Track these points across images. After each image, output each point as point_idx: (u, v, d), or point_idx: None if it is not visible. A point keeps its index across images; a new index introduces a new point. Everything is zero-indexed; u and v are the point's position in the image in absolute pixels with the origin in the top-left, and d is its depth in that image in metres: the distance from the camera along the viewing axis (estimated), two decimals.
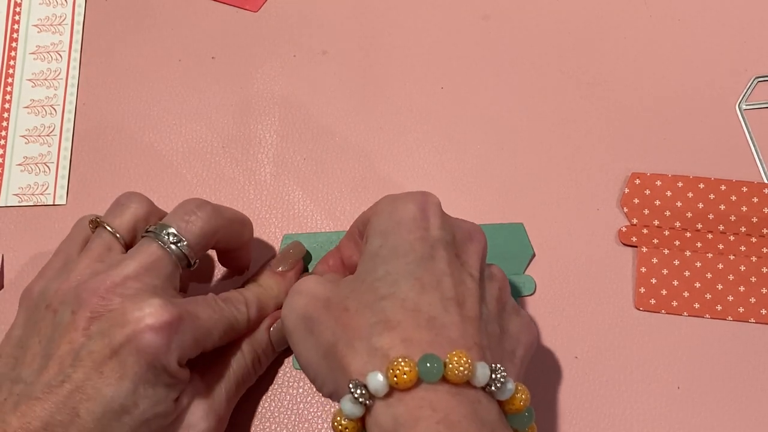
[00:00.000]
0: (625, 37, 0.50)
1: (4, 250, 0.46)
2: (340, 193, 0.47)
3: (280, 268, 0.43)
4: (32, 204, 0.47)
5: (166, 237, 0.37)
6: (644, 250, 0.45)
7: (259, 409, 0.43)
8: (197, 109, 0.50)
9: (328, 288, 0.36)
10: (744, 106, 0.48)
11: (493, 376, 0.32)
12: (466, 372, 0.31)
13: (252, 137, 0.49)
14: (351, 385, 0.31)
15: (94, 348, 0.34)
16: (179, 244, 0.37)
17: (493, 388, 0.32)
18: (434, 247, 0.35)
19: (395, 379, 0.30)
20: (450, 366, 0.31)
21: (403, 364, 0.31)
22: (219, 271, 0.46)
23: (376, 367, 0.31)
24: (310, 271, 0.45)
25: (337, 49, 0.51)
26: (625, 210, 0.46)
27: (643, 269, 0.45)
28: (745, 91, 0.49)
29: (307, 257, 0.45)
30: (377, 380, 0.31)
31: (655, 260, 0.45)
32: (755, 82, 0.49)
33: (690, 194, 0.46)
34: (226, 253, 0.43)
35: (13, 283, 0.46)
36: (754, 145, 0.47)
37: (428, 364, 0.31)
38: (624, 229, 0.46)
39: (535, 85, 0.49)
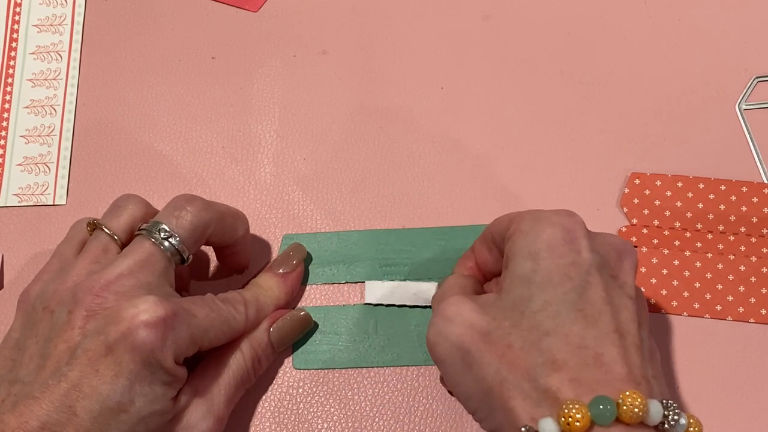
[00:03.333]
0: (625, 37, 0.50)
1: (4, 250, 0.46)
2: (340, 193, 0.47)
3: (281, 270, 0.43)
4: (32, 204, 0.47)
5: (158, 234, 0.37)
6: (644, 250, 0.45)
7: (259, 409, 0.43)
8: (197, 109, 0.50)
9: (484, 319, 0.34)
10: (744, 106, 0.48)
11: (666, 413, 0.30)
12: (640, 413, 0.30)
13: (252, 137, 0.49)
14: (523, 431, 0.30)
15: (89, 346, 0.34)
16: (171, 240, 0.37)
17: (666, 425, 0.30)
18: (589, 272, 0.34)
19: (568, 426, 0.29)
20: (624, 408, 0.30)
21: (574, 410, 0.29)
22: (220, 272, 0.46)
23: (546, 411, 0.30)
24: (309, 272, 0.45)
25: (337, 49, 0.51)
26: (625, 210, 0.46)
27: (643, 269, 0.45)
28: (745, 91, 0.49)
29: (307, 259, 0.45)
30: (549, 428, 0.30)
31: (654, 260, 0.45)
32: (755, 82, 0.49)
33: (690, 194, 0.46)
34: (222, 249, 0.43)
35: (13, 283, 0.46)
36: (754, 145, 0.47)
37: (601, 407, 0.30)
38: (624, 229, 0.46)
39: (535, 85, 0.49)
